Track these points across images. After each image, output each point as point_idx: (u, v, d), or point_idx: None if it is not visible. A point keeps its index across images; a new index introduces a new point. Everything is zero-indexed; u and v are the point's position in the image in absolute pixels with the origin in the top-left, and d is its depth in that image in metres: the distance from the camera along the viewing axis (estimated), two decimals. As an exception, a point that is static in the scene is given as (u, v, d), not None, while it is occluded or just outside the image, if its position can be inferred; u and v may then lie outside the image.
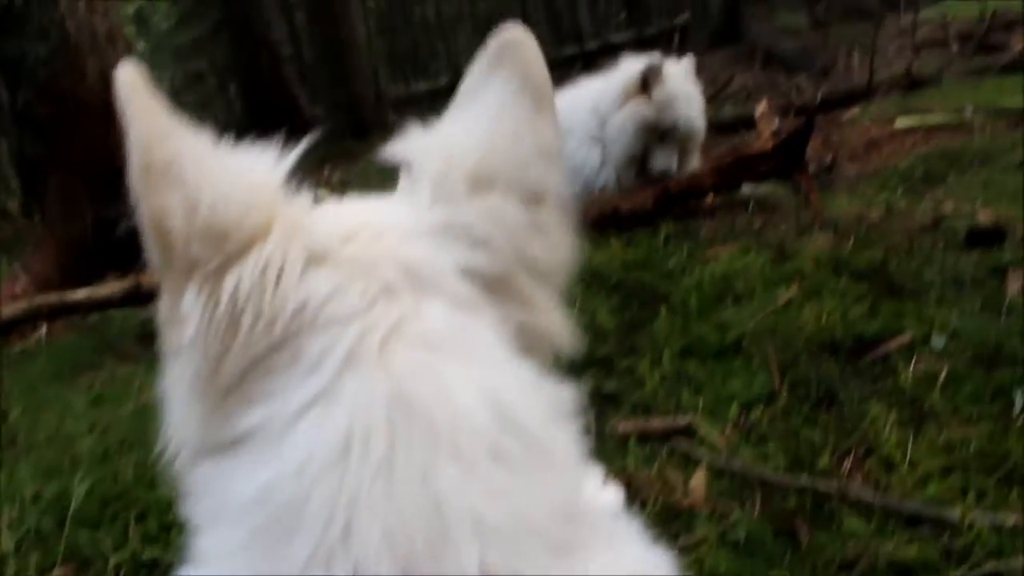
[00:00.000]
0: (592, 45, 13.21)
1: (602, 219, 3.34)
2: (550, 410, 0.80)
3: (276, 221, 0.78)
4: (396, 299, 0.77)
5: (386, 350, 0.74)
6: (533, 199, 0.88)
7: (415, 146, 0.90)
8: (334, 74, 12.19)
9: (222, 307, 0.75)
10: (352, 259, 0.79)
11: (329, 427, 0.70)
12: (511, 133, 0.87)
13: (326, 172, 8.26)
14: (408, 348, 0.74)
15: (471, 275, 0.83)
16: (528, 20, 17.54)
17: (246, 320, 0.75)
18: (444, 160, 0.86)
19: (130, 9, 16.12)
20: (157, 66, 17.83)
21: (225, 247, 0.75)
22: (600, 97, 4.06)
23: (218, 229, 0.75)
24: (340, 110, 11.99)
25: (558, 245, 0.92)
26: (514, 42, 0.90)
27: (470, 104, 0.91)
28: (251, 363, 0.75)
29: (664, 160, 3.83)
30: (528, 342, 0.87)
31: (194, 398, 0.78)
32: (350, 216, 0.86)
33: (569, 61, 12.88)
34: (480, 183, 0.85)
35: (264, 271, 0.75)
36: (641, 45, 11.98)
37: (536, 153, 0.88)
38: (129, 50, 6.21)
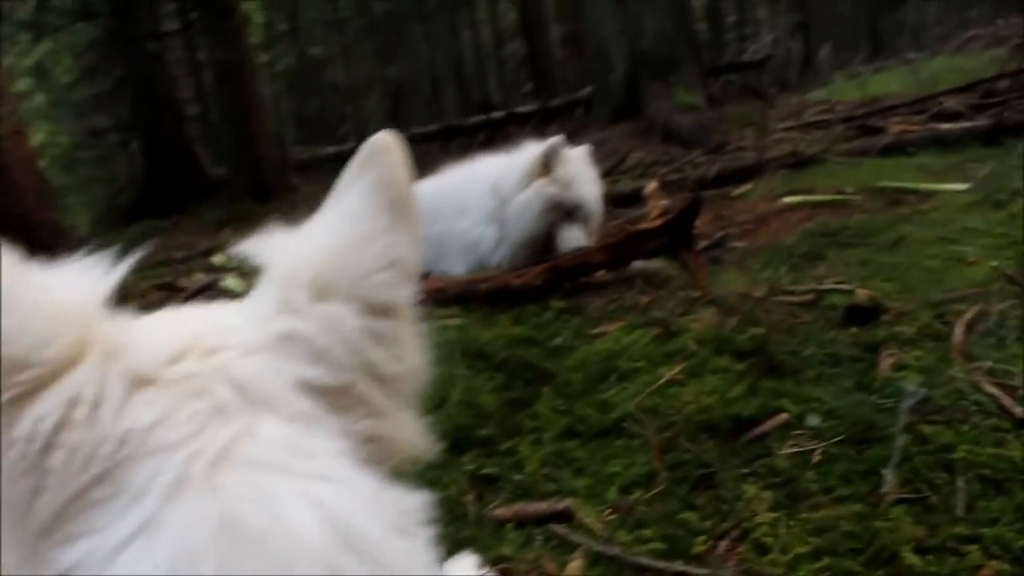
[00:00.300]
0: (498, 114, 13.42)
1: (492, 294, 3.34)
2: (394, 522, 0.77)
3: (91, 346, 0.74)
4: (229, 419, 0.74)
5: (215, 474, 0.70)
6: (378, 310, 0.86)
7: (268, 248, 0.88)
8: (238, 135, 12.06)
9: (18, 446, 0.70)
10: (181, 380, 0.76)
11: (153, 557, 0.67)
12: (360, 242, 0.86)
13: (224, 235, 8.12)
14: (239, 470, 0.71)
15: (311, 388, 0.80)
16: (437, 87, 17.79)
17: (56, 458, 0.70)
18: (289, 266, 0.84)
19: (30, 60, 15.73)
20: (56, 120, 17.42)
21: (17, 380, 0.70)
22: (500, 177, 4.11)
23: (9, 361, 0.70)
24: (243, 172, 11.84)
25: (407, 356, 0.90)
26: (380, 149, 0.90)
27: (333, 208, 0.90)
28: (68, 500, 0.70)
29: (574, 237, 3.89)
30: (377, 451, 0.85)
31: (6, 539, 0.73)
32: (181, 331, 0.82)
33: (475, 129, 13.07)
34: (321, 291, 0.83)
35: (73, 403, 0.71)
36: (546, 116, 12.27)
37: (385, 264, 0.87)
38: (15, 107, 6.03)
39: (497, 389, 2.61)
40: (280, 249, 0.87)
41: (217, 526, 0.67)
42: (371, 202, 0.87)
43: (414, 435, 0.91)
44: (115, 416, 0.72)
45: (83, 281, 0.78)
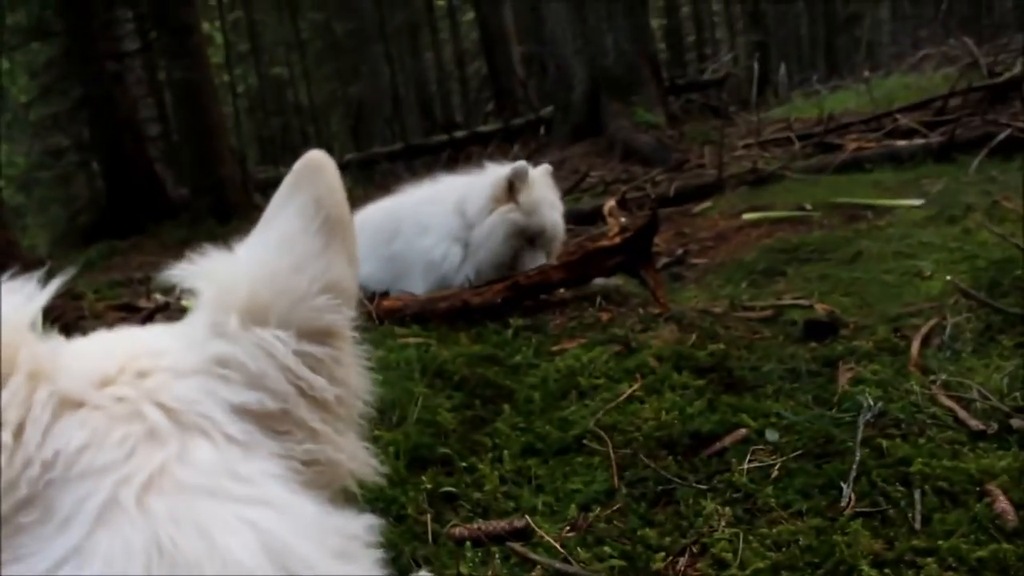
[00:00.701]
0: (461, 133, 13.45)
1: (452, 313, 3.33)
2: (336, 546, 0.75)
3: (16, 368, 0.71)
4: (160, 443, 0.72)
5: (145, 499, 0.68)
6: (316, 335, 0.85)
7: (198, 273, 0.86)
8: (199, 155, 12.00)
9: None
10: (111, 403, 0.74)
11: None
12: (294, 266, 0.85)
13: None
14: (170, 495, 0.69)
15: (246, 412, 0.78)
16: (399, 107, 17.81)
17: None
18: (220, 291, 0.83)
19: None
20: (13, 140, 17.21)
21: None
22: (464, 197, 4.10)
23: None
24: (205, 192, 11.74)
25: (348, 379, 0.88)
26: (313, 167, 0.88)
27: (265, 230, 0.89)
28: None
29: (536, 264, 3.90)
30: (319, 474, 0.83)
31: None
32: (112, 354, 0.80)
33: (438, 148, 13.09)
34: (253, 317, 0.81)
35: None
36: (508, 135, 12.32)
37: (320, 288, 0.85)
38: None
39: (457, 407, 2.59)
40: (211, 273, 0.85)
41: (148, 552, 0.65)
42: (304, 223, 0.86)
43: (356, 459, 0.89)
44: (41, 439, 0.70)
45: (9, 303, 0.75)
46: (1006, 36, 13.30)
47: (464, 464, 2.31)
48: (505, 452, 2.34)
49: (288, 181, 0.89)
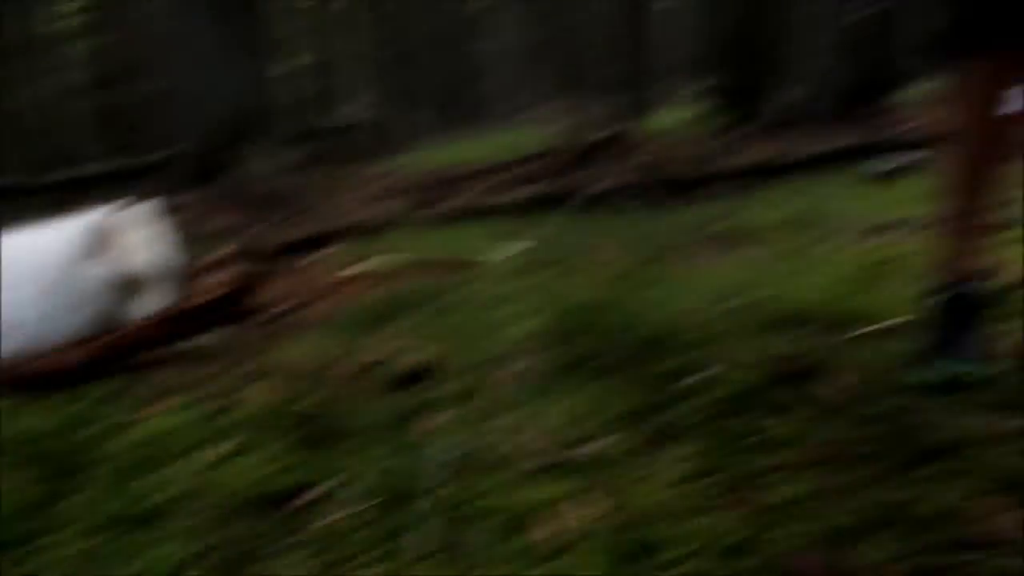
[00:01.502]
0: (70, 174, 12.49)
1: (18, 382, 3.08)
2: None
3: None
4: None
5: None
6: None
7: None
8: None
9: None
10: None
11: None
12: None
13: None
14: None
15: None
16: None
17: None
18: None
19: None
20: None
21: None
22: (53, 249, 3.84)
23: None
24: None
25: None
26: None
27: None
28: None
29: (139, 311, 3.74)
30: None
31: None
32: None
33: (45, 189, 12.03)
34: None
35: None
36: (122, 177, 11.60)
37: None
38: None
39: (27, 484, 2.41)
40: None
41: None
42: None
43: None
44: None
45: None
46: (606, 98, 14.88)
47: (28, 548, 2.16)
48: (73, 530, 2.22)
49: None
